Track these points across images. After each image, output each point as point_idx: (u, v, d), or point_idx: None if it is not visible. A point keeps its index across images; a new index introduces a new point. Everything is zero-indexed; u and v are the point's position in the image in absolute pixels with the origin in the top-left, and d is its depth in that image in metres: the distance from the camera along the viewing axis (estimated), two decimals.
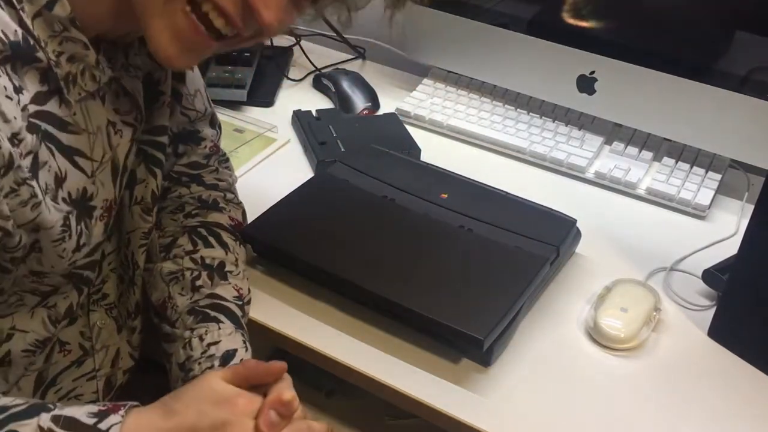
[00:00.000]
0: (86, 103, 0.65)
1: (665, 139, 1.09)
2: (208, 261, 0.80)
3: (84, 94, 0.64)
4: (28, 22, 0.59)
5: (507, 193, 0.94)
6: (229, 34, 0.62)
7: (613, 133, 1.12)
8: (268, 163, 1.06)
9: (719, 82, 0.99)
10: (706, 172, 1.05)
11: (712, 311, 0.84)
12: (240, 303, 0.79)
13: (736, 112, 0.99)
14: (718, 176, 1.04)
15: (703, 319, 0.85)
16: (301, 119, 1.12)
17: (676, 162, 1.07)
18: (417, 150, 1.07)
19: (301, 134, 1.10)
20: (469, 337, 0.74)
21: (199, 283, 0.78)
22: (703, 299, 0.88)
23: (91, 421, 0.58)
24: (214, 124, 0.88)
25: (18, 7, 0.58)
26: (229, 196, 0.88)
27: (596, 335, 0.82)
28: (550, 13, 1.10)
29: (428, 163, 1.00)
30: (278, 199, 0.91)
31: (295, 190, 0.93)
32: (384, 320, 0.81)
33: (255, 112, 1.17)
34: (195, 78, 0.84)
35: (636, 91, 1.05)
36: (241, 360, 0.73)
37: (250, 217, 0.88)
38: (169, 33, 0.61)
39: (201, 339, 0.74)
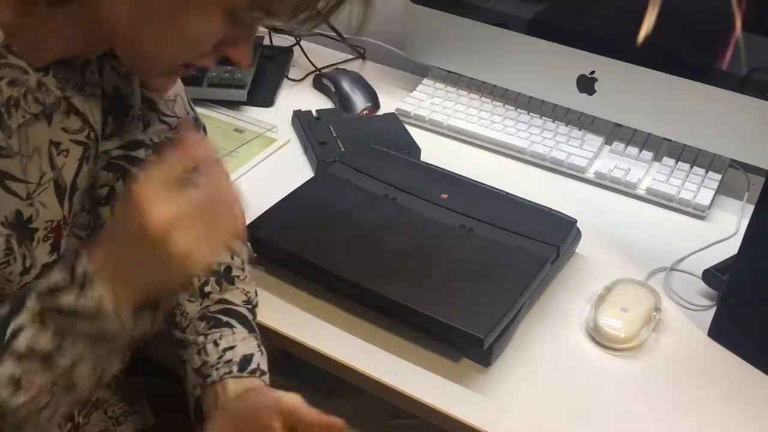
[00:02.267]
0: (27, 126, 0.64)
1: (665, 139, 1.09)
2: (214, 267, 0.79)
3: (28, 116, 0.63)
4: None
5: (507, 193, 0.94)
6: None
7: (613, 133, 1.12)
8: (268, 163, 1.06)
9: (719, 82, 0.99)
10: (706, 172, 1.05)
11: (712, 311, 0.84)
12: (249, 306, 0.79)
13: (736, 112, 0.99)
14: (718, 176, 1.04)
15: (703, 319, 0.85)
16: (301, 119, 1.12)
17: (676, 162, 1.07)
18: (417, 150, 1.07)
19: (301, 134, 1.10)
20: (469, 336, 0.74)
21: (207, 289, 0.78)
22: (703, 299, 0.88)
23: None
24: (198, 127, 0.87)
25: None
26: None
27: (596, 335, 0.82)
28: (550, 13, 1.10)
29: (428, 163, 1.00)
30: (278, 199, 0.91)
31: (295, 190, 0.93)
32: (384, 320, 0.81)
33: (255, 112, 1.17)
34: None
35: (636, 91, 1.05)
36: (258, 365, 0.74)
37: (251, 218, 0.88)
38: (168, 81, 0.67)
39: (216, 344, 0.74)
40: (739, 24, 0.96)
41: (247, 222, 0.87)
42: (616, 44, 1.05)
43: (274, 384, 0.93)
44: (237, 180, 1.01)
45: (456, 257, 0.84)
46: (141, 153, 0.78)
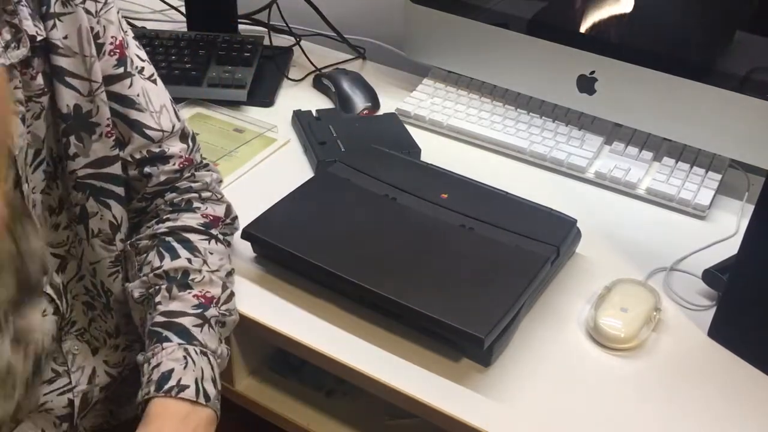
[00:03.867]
0: None
1: (665, 139, 1.09)
2: (171, 274, 0.77)
3: None
4: None
5: (507, 193, 0.94)
6: None
7: (613, 133, 1.12)
8: (268, 163, 1.06)
9: (719, 82, 0.99)
10: (706, 172, 1.05)
11: (712, 311, 0.84)
12: (202, 310, 0.75)
13: (736, 112, 0.99)
14: (718, 176, 1.04)
15: (703, 319, 0.85)
16: (301, 119, 1.12)
17: (676, 162, 1.07)
18: (417, 150, 1.07)
19: (301, 134, 1.10)
20: (469, 336, 0.74)
21: (157, 299, 0.76)
22: (703, 299, 0.88)
23: None
24: (186, 137, 0.84)
25: None
26: (206, 194, 0.85)
27: (596, 335, 0.82)
28: (550, 13, 1.10)
29: (428, 163, 1.00)
30: (278, 199, 0.91)
31: (295, 189, 0.93)
32: (384, 320, 0.81)
33: (255, 112, 1.17)
34: (159, 93, 0.82)
35: (636, 91, 1.05)
36: (178, 381, 0.70)
37: (250, 217, 0.88)
38: None
39: (149, 364, 0.72)
40: (739, 24, 0.96)
41: (248, 222, 0.88)
42: (616, 44, 1.05)
43: (274, 384, 0.93)
44: (236, 180, 1.02)
45: (456, 257, 0.84)
46: (114, 168, 0.77)
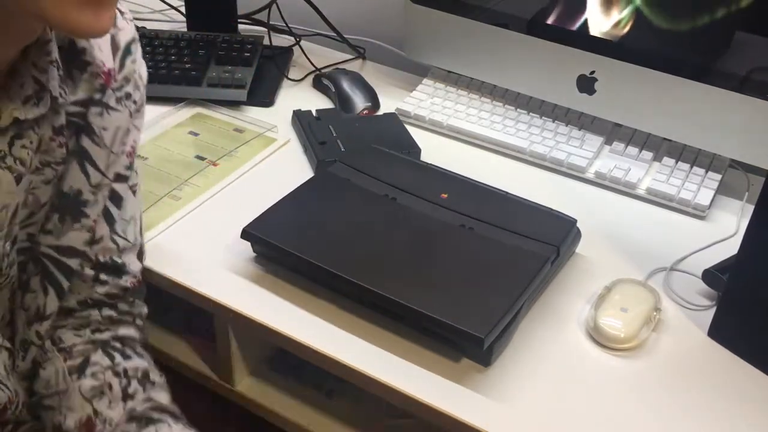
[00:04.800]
0: None
1: (665, 139, 1.09)
2: (131, 372, 0.76)
3: None
4: None
5: (507, 192, 0.94)
6: None
7: (613, 133, 1.12)
8: (268, 163, 1.06)
9: (719, 82, 0.99)
10: (706, 172, 1.05)
11: (712, 311, 0.84)
12: (178, 412, 0.76)
13: (736, 112, 0.99)
14: (718, 176, 1.04)
15: (703, 319, 0.85)
16: (301, 119, 1.12)
17: (676, 162, 1.07)
18: (417, 150, 1.07)
19: (301, 134, 1.10)
20: (469, 336, 0.74)
21: (131, 391, 0.75)
22: (703, 299, 0.88)
23: None
24: (141, 257, 0.82)
25: None
26: (139, 322, 0.83)
27: (596, 335, 0.82)
28: (550, 13, 1.10)
29: (428, 163, 1.00)
30: (278, 199, 0.91)
31: (295, 189, 0.93)
32: (384, 320, 0.81)
33: (255, 112, 1.17)
34: (135, 204, 0.80)
35: (636, 91, 1.05)
36: None
37: (250, 217, 0.88)
38: (71, 4, 0.56)
39: None
40: (739, 24, 0.96)
41: (248, 222, 0.88)
42: (616, 44, 1.05)
43: (274, 384, 0.93)
44: (236, 180, 1.02)
45: (456, 257, 0.84)
46: (74, 263, 0.75)
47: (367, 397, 0.84)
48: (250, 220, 0.88)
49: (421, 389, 0.75)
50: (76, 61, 0.71)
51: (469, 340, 0.75)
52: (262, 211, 0.89)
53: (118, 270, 0.79)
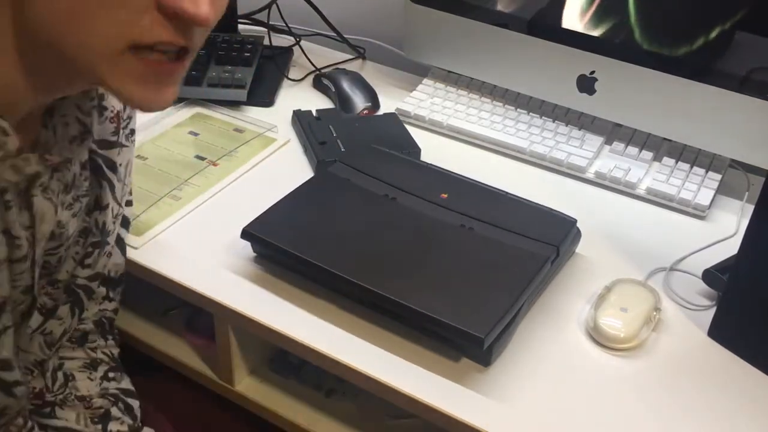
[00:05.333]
0: None
1: (665, 139, 1.09)
2: None
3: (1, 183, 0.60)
4: None
5: (507, 192, 0.94)
6: (188, 46, 0.58)
7: (613, 133, 1.12)
8: (268, 163, 1.06)
9: (719, 82, 0.99)
10: (706, 172, 1.05)
11: (712, 311, 0.84)
12: None
13: (736, 112, 0.99)
14: (718, 176, 1.04)
15: (703, 319, 0.85)
16: (301, 119, 1.12)
17: (676, 162, 1.07)
18: (417, 150, 1.07)
19: (301, 134, 1.10)
20: (469, 336, 0.74)
21: None
22: (703, 299, 0.88)
23: None
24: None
25: None
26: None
27: (596, 335, 0.82)
28: (550, 13, 1.10)
29: (428, 163, 1.00)
30: (278, 199, 0.91)
31: (295, 189, 0.93)
32: (384, 319, 0.81)
33: (255, 112, 1.17)
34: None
35: (636, 91, 1.05)
36: None
37: (250, 217, 0.88)
38: (132, 79, 0.57)
39: None
40: (739, 24, 0.96)
41: (248, 222, 0.88)
42: (616, 44, 1.05)
43: (274, 384, 0.93)
44: (236, 180, 1.02)
45: (456, 257, 0.84)
46: (95, 285, 0.80)
47: (367, 397, 0.84)
48: (250, 220, 0.87)
49: (421, 389, 0.75)
50: (98, 106, 0.75)
51: (469, 340, 0.75)
52: (262, 211, 0.89)
53: (121, 282, 0.85)
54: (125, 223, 0.85)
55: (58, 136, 0.67)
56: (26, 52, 0.58)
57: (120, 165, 0.79)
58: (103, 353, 0.86)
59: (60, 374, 0.82)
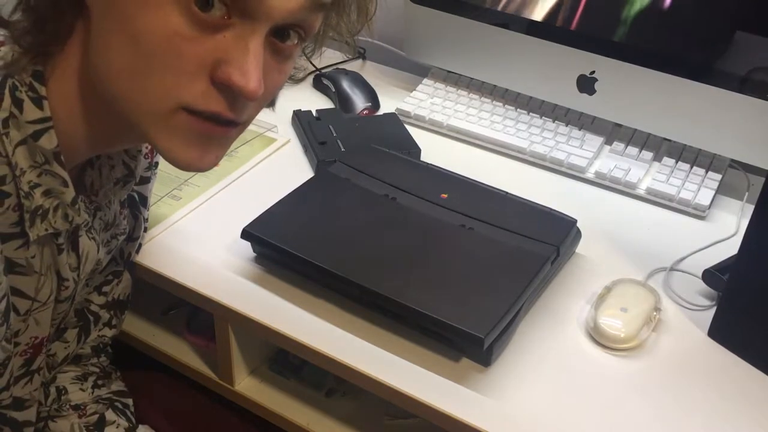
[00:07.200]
0: (43, 242, 0.62)
1: (665, 139, 1.09)
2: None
3: (50, 230, 0.61)
4: (9, 149, 0.56)
5: (507, 192, 0.94)
6: (235, 119, 0.60)
7: (613, 133, 1.12)
8: (268, 163, 1.06)
9: (719, 82, 0.99)
10: (706, 172, 1.05)
11: (712, 311, 0.84)
12: None
13: (736, 112, 0.99)
14: (718, 176, 1.04)
15: (703, 319, 0.85)
16: (301, 119, 1.12)
17: (676, 162, 1.07)
18: (417, 150, 1.07)
19: (301, 134, 1.10)
20: (469, 336, 0.74)
21: None
22: (703, 299, 0.88)
23: None
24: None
25: (3, 132, 0.56)
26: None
27: (596, 335, 0.82)
28: (550, 13, 1.10)
29: (428, 163, 1.00)
30: (278, 199, 0.91)
31: (295, 189, 0.93)
32: (384, 319, 0.81)
33: None
34: None
35: (636, 91, 1.05)
36: None
37: (250, 217, 0.88)
38: (179, 139, 0.57)
39: None
40: (739, 24, 0.96)
41: (248, 222, 0.88)
42: (616, 44, 1.05)
43: (274, 384, 0.93)
44: (237, 180, 1.02)
45: (456, 257, 0.84)
46: (104, 312, 0.83)
47: (367, 397, 0.84)
48: (250, 220, 0.87)
49: (421, 389, 0.75)
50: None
51: (469, 340, 0.75)
52: (262, 211, 0.89)
53: (122, 306, 0.86)
54: (139, 247, 0.86)
55: (104, 177, 0.69)
56: (88, 101, 0.59)
57: (148, 198, 0.84)
58: (94, 365, 0.87)
59: (52, 389, 0.82)
